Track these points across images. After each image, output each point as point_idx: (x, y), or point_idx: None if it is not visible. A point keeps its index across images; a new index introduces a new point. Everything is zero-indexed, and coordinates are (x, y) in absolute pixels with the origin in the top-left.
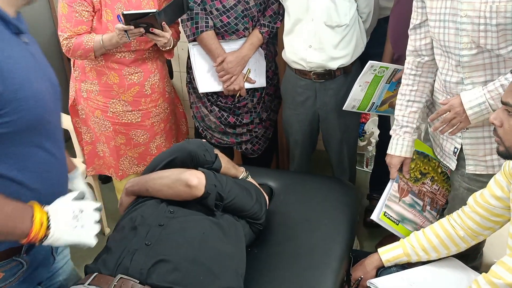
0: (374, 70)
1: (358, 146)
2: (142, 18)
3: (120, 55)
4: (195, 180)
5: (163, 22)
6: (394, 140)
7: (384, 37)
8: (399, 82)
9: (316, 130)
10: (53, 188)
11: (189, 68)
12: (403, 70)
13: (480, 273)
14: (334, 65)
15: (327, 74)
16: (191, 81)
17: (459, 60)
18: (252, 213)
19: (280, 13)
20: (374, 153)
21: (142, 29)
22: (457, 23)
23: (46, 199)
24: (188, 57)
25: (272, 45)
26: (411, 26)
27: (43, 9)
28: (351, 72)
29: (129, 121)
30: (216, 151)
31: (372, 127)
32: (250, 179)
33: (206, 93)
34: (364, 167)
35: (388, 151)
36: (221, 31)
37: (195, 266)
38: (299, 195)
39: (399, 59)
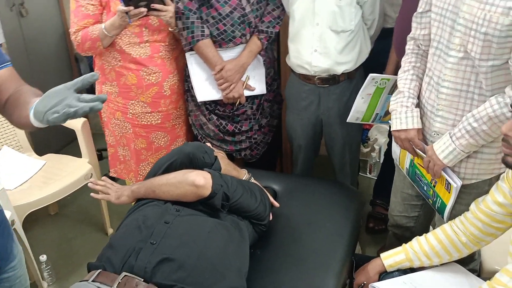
0: (375, 83)
1: (362, 153)
2: None
3: (134, 51)
4: (202, 180)
5: None
6: (403, 114)
7: None
8: None
9: (319, 134)
10: None
11: (187, 76)
12: None
13: (482, 279)
14: (338, 70)
15: (331, 79)
16: (189, 90)
17: (445, 60)
18: (256, 214)
19: (279, 17)
20: (378, 160)
21: (142, 9)
22: (454, 22)
23: None
24: (186, 66)
25: (271, 51)
26: (416, 12)
27: (52, 9)
28: (355, 77)
29: (148, 123)
30: (216, 153)
31: (376, 134)
32: (253, 180)
33: (205, 101)
34: (368, 173)
35: (400, 127)
36: (218, 39)
37: (200, 264)
38: (302, 198)
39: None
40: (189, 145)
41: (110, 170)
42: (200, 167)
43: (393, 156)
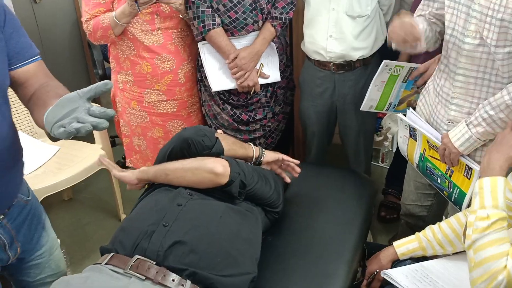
0: (389, 70)
1: (374, 141)
2: None
3: (147, 39)
4: (220, 168)
5: None
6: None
7: None
8: (416, 80)
9: (333, 121)
10: None
11: (199, 66)
12: (418, 68)
13: None
14: (354, 55)
15: (347, 65)
16: (202, 79)
17: (460, 47)
18: (270, 201)
19: (293, 3)
20: (390, 149)
21: None
22: (469, 9)
23: None
24: (199, 55)
25: (283, 37)
26: None
27: None
28: (370, 64)
29: (164, 111)
30: (218, 134)
31: (389, 123)
32: (266, 156)
33: (218, 91)
34: (380, 162)
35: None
36: (230, 28)
37: (212, 248)
38: (314, 186)
39: (418, 54)
40: (187, 130)
41: (126, 160)
42: (201, 151)
43: (401, 152)
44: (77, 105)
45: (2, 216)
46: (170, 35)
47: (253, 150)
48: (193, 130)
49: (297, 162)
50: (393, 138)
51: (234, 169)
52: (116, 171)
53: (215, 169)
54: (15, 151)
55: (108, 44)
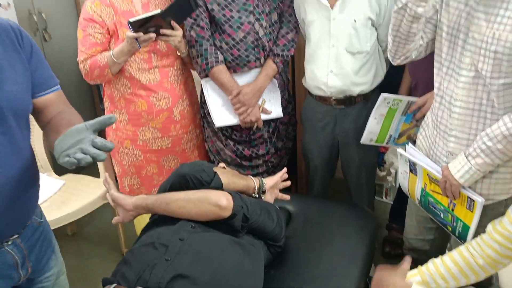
0: (388, 103)
1: (378, 176)
2: (150, 22)
3: (144, 77)
4: (224, 201)
5: (172, 21)
6: None
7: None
8: (415, 113)
9: (335, 156)
10: None
11: (202, 102)
12: (417, 102)
13: None
14: (354, 90)
15: (347, 100)
16: (205, 116)
17: (457, 79)
18: (273, 235)
19: (294, 40)
20: (394, 184)
21: (152, 34)
22: (465, 42)
23: None
24: (202, 92)
25: (284, 73)
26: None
27: (74, 34)
28: (370, 99)
29: (159, 148)
30: (216, 168)
31: (392, 157)
32: (266, 183)
33: (221, 127)
34: (384, 197)
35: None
36: (233, 65)
37: (214, 281)
38: (317, 219)
39: (416, 87)
40: (185, 166)
41: None
42: (199, 187)
43: (402, 189)
44: (83, 136)
45: (16, 236)
46: (167, 73)
47: (254, 181)
48: (190, 165)
49: (287, 184)
50: (396, 173)
51: (237, 202)
52: (114, 191)
53: (219, 202)
54: (34, 172)
55: (103, 84)
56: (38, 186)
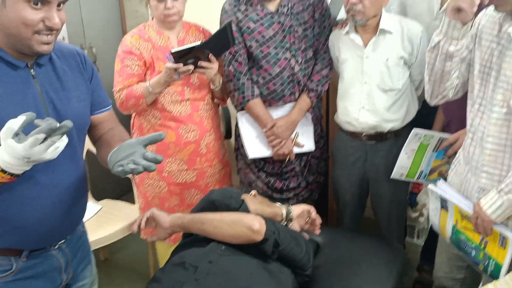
0: (419, 138)
1: (410, 217)
2: (190, 53)
3: (175, 108)
4: (257, 224)
5: (210, 54)
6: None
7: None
8: (446, 150)
9: (365, 192)
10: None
11: (237, 135)
12: (449, 139)
13: None
14: (386, 127)
15: (378, 136)
16: (239, 148)
17: (489, 115)
18: (301, 264)
19: (328, 76)
20: (426, 226)
21: (190, 66)
22: (497, 79)
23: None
24: (236, 125)
25: (318, 109)
26: None
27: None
28: (401, 135)
29: (183, 181)
30: (245, 196)
31: (424, 198)
32: (294, 211)
33: (254, 159)
34: (416, 238)
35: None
36: (268, 98)
37: None
38: (345, 251)
39: (449, 125)
40: (215, 192)
41: (141, 232)
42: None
43: (434, 227)
44: (135, 149)
45: (63, 241)
46: (197, 106)
47: (281, 209)
48: (220, 192)
49: (320, 221)
50: (428, 214)
51: (270, 227)
52: (155, 209)
53: (252, 225)
54: (86, 183)
55: (133, 115)
56: (87, 198)
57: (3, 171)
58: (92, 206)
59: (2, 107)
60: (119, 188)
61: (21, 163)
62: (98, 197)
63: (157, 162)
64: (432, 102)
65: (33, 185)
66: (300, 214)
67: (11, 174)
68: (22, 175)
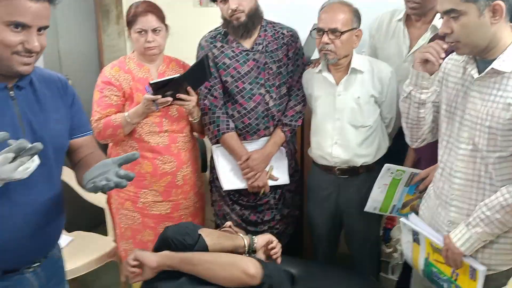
0: (391, 173)
1: (384, 253)
2: (168, 85)
3: (153, 139)
4: (252, 269)
5: (188, 87)
6: None
7: None
8: (417, 185)
9: (338, 225)
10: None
11: (212, 168)
12: (420, 174)
13: None
14: (358, 161)
15: (351, 170)
16: (213, 180)
17: (456, 152)
18: None
19: (301, 112)
20: (400, 261)
21: (169, 98)
22: (462, 118)
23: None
24: (211, 158)
25: (292, 143)
26: None
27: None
28: (374, 170)
29: (158, 212)
30: (202, 230)
31: (398, 234)
32: (257, 242)
33: (229, 192)
34: (390, 274)
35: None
36: (243, 132)
37: None
38: (321, 284)
39: (419, 161)
40: (170, 229)
41: (121, 277)
42: (183, 250)
43: (406, 258)
44: (109, 168)
45: (38, 264)
46: (175, 138)
47: (243, 239)
48: (175, 228)
49: (279, 250)
50: (402, 249)
51: (266, 272)
52: (138, 251)
53: (247, 269)
54: (61, 205)
55: (110, 145)
56: (63, 219)
57: None
58: (63, 238)
59: None
60: (91, 220)
61: None
62: (69, 229)
63: (129, 179)
64: (414, 146)
65: (6, 203)
66: (265, 244)
67: None
68: None
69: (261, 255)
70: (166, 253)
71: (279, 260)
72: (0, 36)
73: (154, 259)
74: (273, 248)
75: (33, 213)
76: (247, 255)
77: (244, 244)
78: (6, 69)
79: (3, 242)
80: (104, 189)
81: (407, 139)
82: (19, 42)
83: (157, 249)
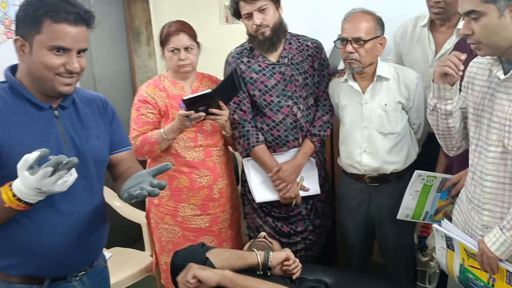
0: (422, 179)
1: (420, 262)
2: (201, 101)
3: (189, 154)
4: None
5: (220, 102)
6: None
7: None
8: (450, 190)
9: (371, 234)
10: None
11: (243, 181)
12: (451, 179)
13: None
14: (388, 169)
15: (381, 178)
16: (245, 193)
17: (486, 155)
18: None
19: (329, 121)
20: (437, 270)
21: (201, 113)
22: (490, 120)
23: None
24: (242, 171)
25: (321, 153)
26: None
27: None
28: (404, 177)
29: (197, 226)
30: (209, 253)
31: (433, 242)
32: (273, 259)
33: (261, 204)
34: (427, 283)
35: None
36: (273, 144)
37: None
38: None
39: (452, 166)
40: (178, 255)
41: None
42: None
43: (441, 266)
44: (144, 178)
45: (83, 272)
46: (210, 152)
47: (257, 256)
48: (183, 254)
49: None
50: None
51: None
52: (196, 269)
53: None
54: (103, 216)
55: (148, 162)
56: (106, 230)
57: (19, 200)
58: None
59: (26, 143)
60: (129, 237)
61: (34, 193)
62: (107, 246)
63: (161, 187)
64: (451, 154)
65: (52, 213)
66: (282, 261)
67: (26, 203)
68: (42, 203)
69: (278, 271)
70: (227, 273)
71: (294, 276)
72: (44, 60)
73: (214, 280)
74: (288, 265)
75: (77, 223)
76: (261, 272)
77: (258, 262)
78: (50, 89)
79: (50, 250)
80: (138, 198)
81: (444, 149)
82: (61, 64)
83: (171, 273)
